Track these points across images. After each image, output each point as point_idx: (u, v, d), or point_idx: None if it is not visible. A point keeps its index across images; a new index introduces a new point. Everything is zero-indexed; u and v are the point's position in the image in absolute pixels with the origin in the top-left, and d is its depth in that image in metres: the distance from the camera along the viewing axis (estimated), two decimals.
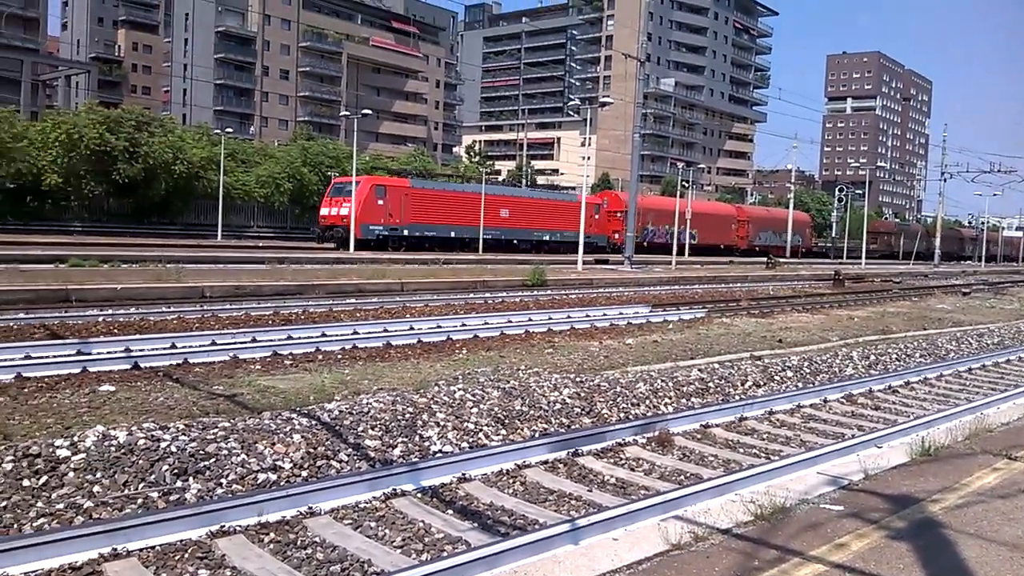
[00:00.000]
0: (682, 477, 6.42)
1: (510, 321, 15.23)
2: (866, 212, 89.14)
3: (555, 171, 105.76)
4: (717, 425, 8.07)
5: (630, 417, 8.04)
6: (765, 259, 49.19)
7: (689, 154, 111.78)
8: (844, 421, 8.64)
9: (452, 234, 42.71)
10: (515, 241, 46.38)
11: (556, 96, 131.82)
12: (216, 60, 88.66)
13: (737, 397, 9.34)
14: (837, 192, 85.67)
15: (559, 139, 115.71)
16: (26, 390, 8.00)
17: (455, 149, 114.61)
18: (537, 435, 7.21)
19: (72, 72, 73.83)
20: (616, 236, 49.86)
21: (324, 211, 40.24)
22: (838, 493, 5.57)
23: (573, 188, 59.99)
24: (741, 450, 7.35)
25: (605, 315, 17.01)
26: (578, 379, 8.93)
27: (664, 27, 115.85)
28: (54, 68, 70.80)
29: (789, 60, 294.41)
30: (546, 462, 6.53)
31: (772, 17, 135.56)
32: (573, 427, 7.58)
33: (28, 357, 9.39)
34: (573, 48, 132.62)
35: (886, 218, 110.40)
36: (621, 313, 17.59)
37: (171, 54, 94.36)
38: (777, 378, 10.44)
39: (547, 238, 48.01)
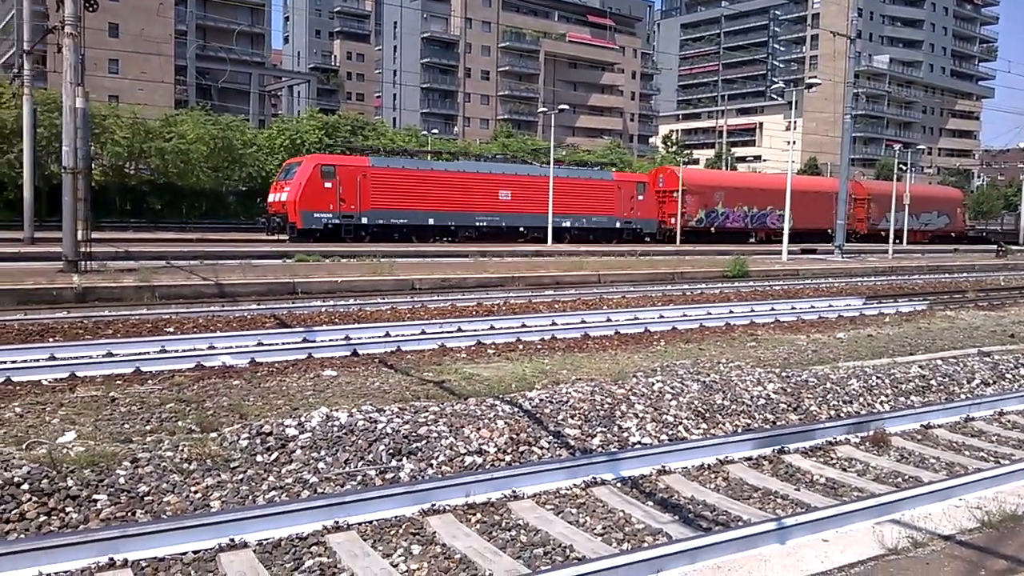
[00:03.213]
0: (899, 479, 6.02)
1: (709, 313, 14.88)
2: None
3: (757, 158, 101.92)
4: (940, 426, 7.49)
5: (841, 415, 7.64)
6: (995, 247, 44.34)
7: (907, 135, 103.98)
8: None
9: (430, 221, 35.29)
10: (521, 229, 38.13)
11: (758, 80, 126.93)
12: (422, 65, 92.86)
13: (963, 396, 8.61)
14: None
15: (761, 124, 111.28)
16: (259, 374, 8.79)
17: (651, 139, 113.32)
18: (740, 430, 7.03)
19: (294, 82, 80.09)
20: (672, 221, 42.10)
21: (271, 196, 34.28)
22: None
23: (614, 165, 49.95)
24: (967, 453, 6.78)
25: (813, 307, 16.21)
26: (783, 374, 8.59)
27: (876, 1, 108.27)
28: (278, 79, 77.19)
29: (1019, 29, 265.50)
30: (750, 458, 6.35)
31: None
32: (778, 423, 7.32)
33: (260, 344, 10.33)
34: (776, 29, 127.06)
35: None
36: (831, 305, 16.70)
37: (381, 61, 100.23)
38: (1009, 376, 9.51)
39: (568, 224, 38.89)
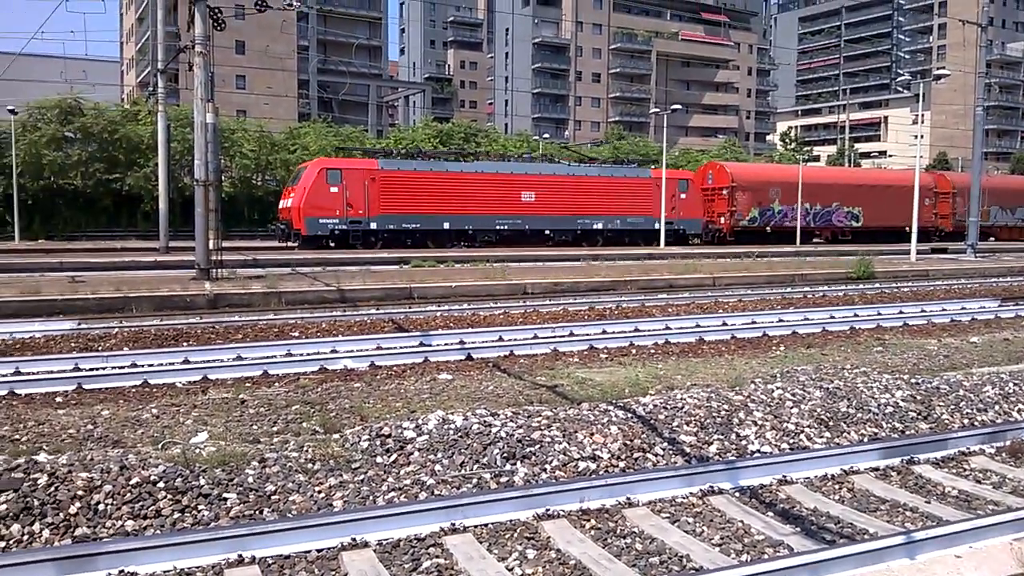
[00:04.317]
0: None
1: (832, 317, 14.34)
2: None
3: (882, 153, 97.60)
4: None
5: (975, 424, 7.22)
6: None
7: None
8: None
9: (445, 225, 33.21)
10: (547, 231, 35.62)
11: (881, 72, 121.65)
12: (533, 70, 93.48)
13: None
14: None
15: (886, 118, 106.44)
16: (378, 377, 9.04)
17: (769, 137, 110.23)
18: (866, 439, 6.74)
19: (410, 92, 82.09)
20: (722, 220, 39.18)
21: (281, 203, 33.23)
22: None
23: (652, 163, 45.96)
24: None
25: (944, 310, 15.39)
26: (912, 380, 8.18)
27: None
28: (395, 90, 79.35)
29: None
30: (876, 469, 6.08)
31: None
32: (907, 432, 6.98)
33: (379, 348, 10.63)
34: (900, 19, 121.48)
35: None
36: (964, 308, 15.81)
37: (493, 68, 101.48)
38: None
39: (599, 226, 36.39)
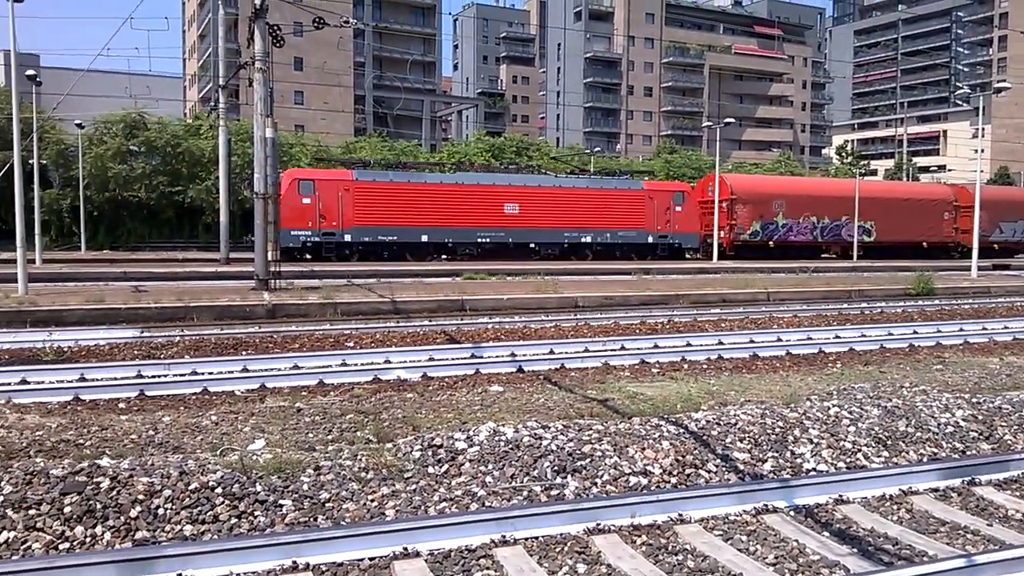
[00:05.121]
0: None
1: (891, 333, 14.03)
2: None
3: (941, 167, 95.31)
4: None
5: None
6: None
7: None
8: None
9: (423, 238, 32.36)
10: (532, 245, 34.38)
11: (940, 85, 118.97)
12: (585, 85, 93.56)
13: None
14: None
15: (945, 132, 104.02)
16: (430, 388, 9.11)
17: (824, 151, 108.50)
18: (925, 459, 6.59)
19: (463, 107, 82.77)
20: (722, 235, 37.20)
21: None
22: None
23: (650, 173, 44.81)
24: None
25: (1007, 328, 14.94)
26: (974, 400, 7.98)
27: None
28: (448, 105, 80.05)
29: None
30: (936, 489, 5.94)
31: None
32: (968, 453, 6.80)
33: (431, 359, 10.71)
34: (959, 32, 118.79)
35: None
36: None
37: (545, 83, 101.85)
38: None
39: (588, 239, 35.08)
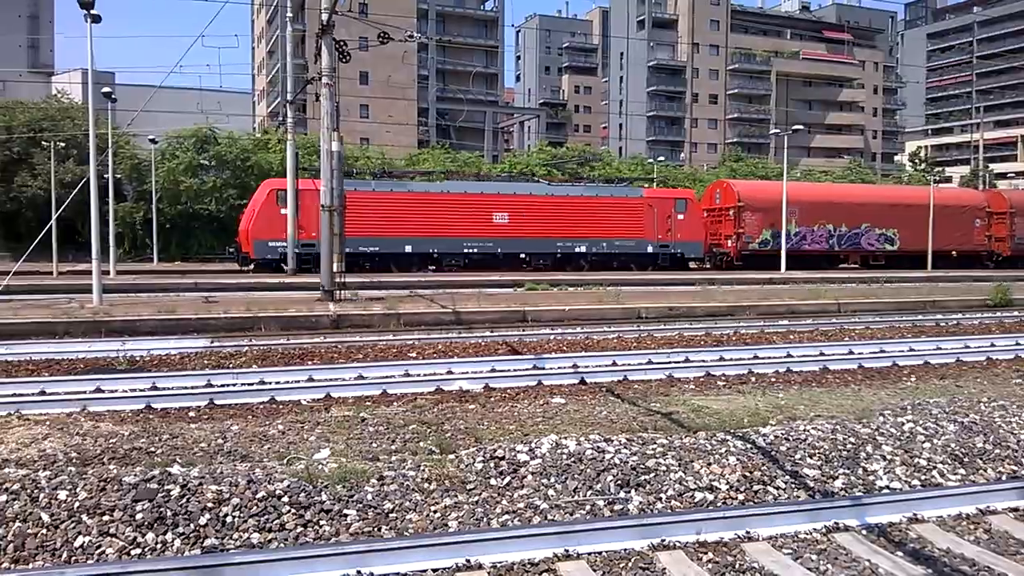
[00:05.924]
0: None
1: (967, 346, 13.54)
2: None
3: (1019, 173, 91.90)
4: None
5: None
6: None
7: None
8: None
9: (408, 248, 31.41)
10: (522, 255, 33.13)
11: (1018, 89, 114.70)
12: (648, 93, 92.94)
13: None
14: None
15: (1022, 136, 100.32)
16: (492, 399, 9.12)
17: (896, 157, 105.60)
18: (1004, 477, 6.32)
19: (525, 118, 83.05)
20: (728, 243, 35.72)
21: (241, 225, 31.50)
22: None
23: (649, 180, 43.18)
24: None
25: None
26: None
27: None
28: (510, 116, 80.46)
29: None
30: (1016, 509, 5.69)
31: None
32: None
33: (493, 370, 10.72)
34: None
35: None
36: None
37: (608, 92, 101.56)
38: None
39: (583, 249, 33.72)
